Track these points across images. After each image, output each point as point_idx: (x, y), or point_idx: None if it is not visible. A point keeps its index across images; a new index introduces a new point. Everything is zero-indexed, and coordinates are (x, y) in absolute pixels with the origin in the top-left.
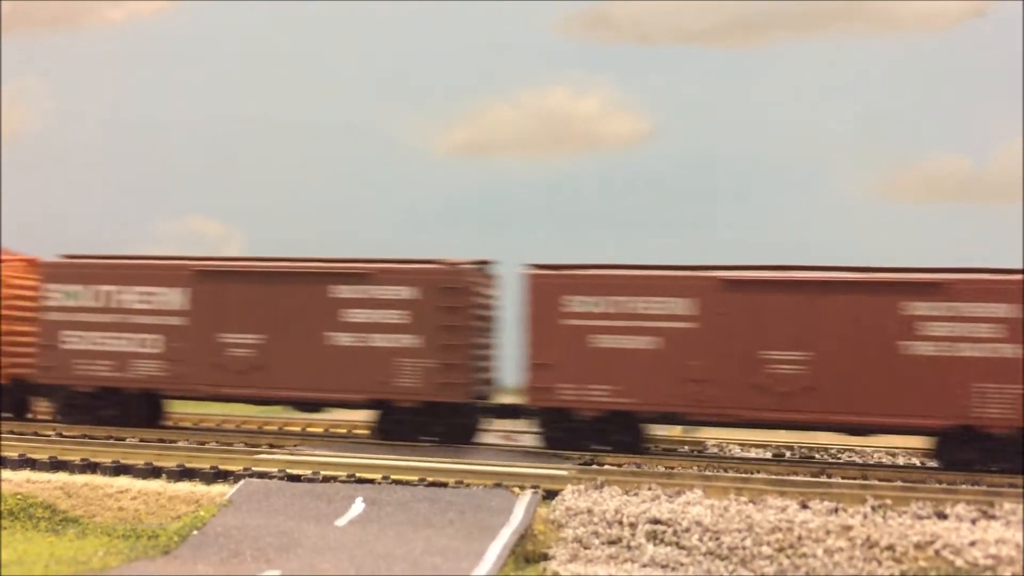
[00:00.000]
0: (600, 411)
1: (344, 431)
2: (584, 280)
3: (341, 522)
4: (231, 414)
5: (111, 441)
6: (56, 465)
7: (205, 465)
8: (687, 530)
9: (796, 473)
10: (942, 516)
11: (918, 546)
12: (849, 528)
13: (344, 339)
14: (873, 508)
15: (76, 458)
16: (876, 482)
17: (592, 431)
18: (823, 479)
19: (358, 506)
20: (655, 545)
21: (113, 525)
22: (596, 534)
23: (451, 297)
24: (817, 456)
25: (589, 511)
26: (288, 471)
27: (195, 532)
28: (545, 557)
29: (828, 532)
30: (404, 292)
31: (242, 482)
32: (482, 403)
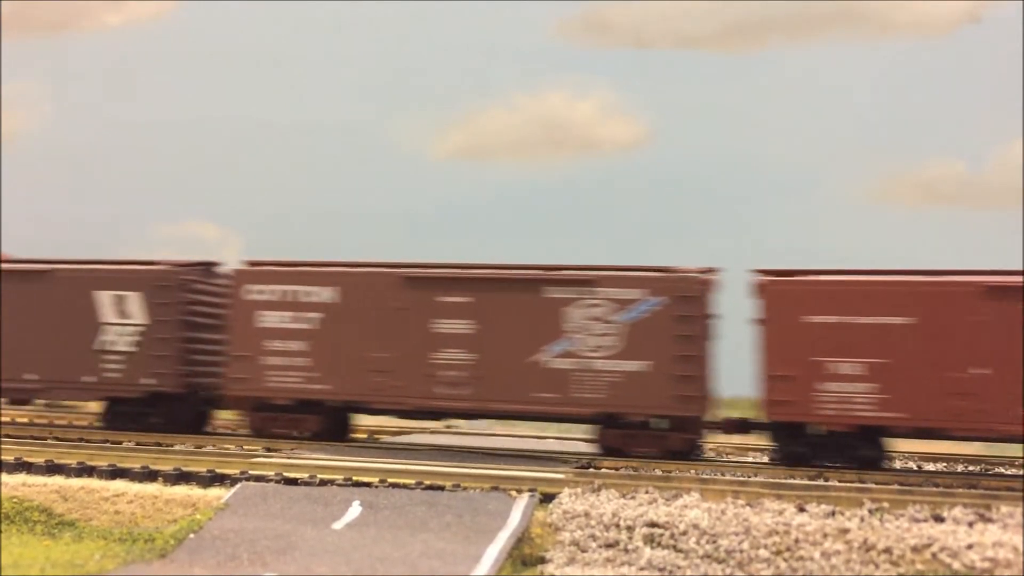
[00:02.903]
0: None
1: None
2: None
3: (338, 525)
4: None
5: (107, 444)
6: (52, 468)
7: (202, 468)
8: (684, 533)
9: (793, 476)
10: (939, 519)
11: (915, 549)
12: (846, 531)
13: None
14: (870, 511)
15: (72, 461)
16: (873, 485)
17: None
18: (820, 482)
19: (355, 509)
20: (652, 548)
21: (109, 529)
22: (593, 537)
23: None
24: None
25: (586, 514)
26: (285, 474)
27: (191, 535)
28: (542, 560)
29: (825, 535)
30: None
31: (239, 485)
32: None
